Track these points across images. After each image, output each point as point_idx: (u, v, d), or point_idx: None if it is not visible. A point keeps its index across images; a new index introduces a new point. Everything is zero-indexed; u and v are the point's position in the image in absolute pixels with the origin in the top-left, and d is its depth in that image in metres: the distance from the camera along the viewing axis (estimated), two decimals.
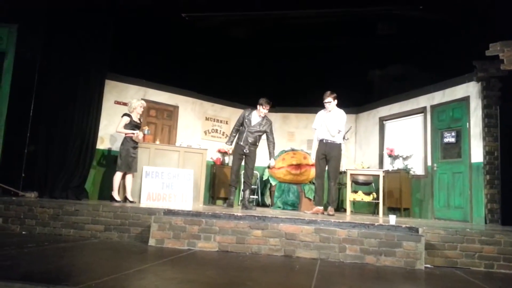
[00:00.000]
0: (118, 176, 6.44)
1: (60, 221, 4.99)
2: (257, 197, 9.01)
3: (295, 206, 8.46)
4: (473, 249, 4.10)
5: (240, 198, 6.95)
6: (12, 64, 6.27)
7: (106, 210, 4.97)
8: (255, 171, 6.80)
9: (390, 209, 7.72)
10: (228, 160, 9.30)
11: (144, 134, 6.82)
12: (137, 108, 6.65)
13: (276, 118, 9.90)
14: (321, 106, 6.42)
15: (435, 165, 7.58)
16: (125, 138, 6.50)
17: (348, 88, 8.84)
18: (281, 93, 9.16)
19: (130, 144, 6.48)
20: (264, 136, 6.65)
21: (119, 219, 4.89)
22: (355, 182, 7.45)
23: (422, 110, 8.03)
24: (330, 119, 6.19)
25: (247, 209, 6.17)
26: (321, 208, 6.20)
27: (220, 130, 9.66)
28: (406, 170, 8.00)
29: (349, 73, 8.81)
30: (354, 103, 9.48)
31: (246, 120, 6.46)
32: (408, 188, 7.89)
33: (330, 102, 6.23)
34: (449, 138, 7.32)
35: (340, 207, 8.79)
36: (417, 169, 8.05)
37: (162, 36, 7.96)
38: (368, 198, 7.30)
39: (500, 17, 5.92)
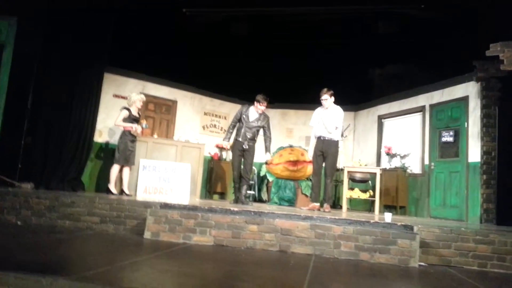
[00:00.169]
0: (115, 169, 6.44)
1: (56, 212, 4.99)
2: (254, 192, 9.02)
3: (291, 202, 8.49)
4: (467, 248, 4.12)
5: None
6: (11, 56, 6.26)
7: (102, 203, 4.97)
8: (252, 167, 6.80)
9: (386, 207, 7.74)
10: (226, 155, 9.31)
11: (142, 128, 6.81)
12: (136, 102, 6.65)
13: (275, 114, 9.91)
14: (320, 103, 6.42)
15: (432, 164, 7.59)
16: (123, 131, 6.50)
17: (348, 85, 8.85)
18: (280, 90, 9.16)
19: (128, 137, 6.48)
20: (261, 132, 6.65)
21: (115, 212, 4.89)
22: (352, 179, 7.47)
23: (421, 109, 8.04)
24: (328, 116, 6.19)
25: (243, 204, 6.17)
26: (317, 204, 6.21)
27: (219, 125, 9.65)
28: (403, 169, 8.02)
29: (349, 71, 8.81)
30: (353, 100, 9.48)
31: (244, 116, 6.45)
32: (405, 187, 7.91)
33: (327, 99, 6.23)
34: (447, 137, 7.33)
35: (336, 204, 8.81)
36: (415, 167, 8.06)
37: (162, 30, 7.93)
38: (365, 196, 7.33)
39: (500, 17, 5.91)
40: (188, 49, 8.49)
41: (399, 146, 8.34)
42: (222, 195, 9.15)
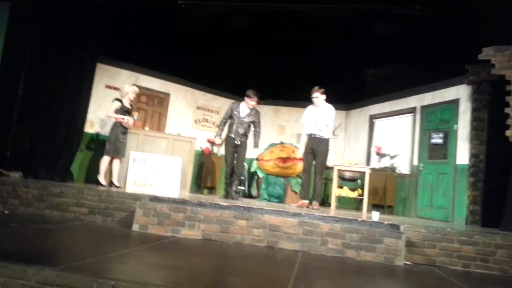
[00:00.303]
0: (105, 160, 6.40)
1: (44, 202, 4.96)
2: (244, 188, 9.03)
3: (280, 198, 8.53)
4: (452, 248, 4.18)
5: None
6: (3, 43, 6.19)
7: (91, 194, 4.96)
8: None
9: (374, 206, 7.80)
10: (217, 150, 9.31)
11: (134, 120, 6.78)
12: (129, 94, 6.61)
13: (268, 111, 9.92)
14: (312, 101, 6.44)
15: (421, 165, 7.67)
16: (115, 123, 6.45)
17: (341, 84, 8.88)
18: (274, 86, 9.16)
19: (120, 129, 6.44)
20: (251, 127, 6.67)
21: (103, 203, 4.89)
22: (341, 177, 7.52)
23: (412, 110, 8.11)
24: (319, 114, 6.22)
25: (233, 199, 6.19)
26: (306, 201, 6.25)
27: (211, 120, 9.64)
28: (392, 169, 8.08)
29: (342, 70, 8.84)
30: (345, 100, 9.52)
31: (235, 112, 6.47)
32: (393, 186, 7.98)
33: (318, 97, 6.26)
34: (437, 139, 7.40)
35: (325, 202, 8.86)
36: (403, 168, 8.13)
37: (157, 22, 7.88)
38: (353, 194, 7.38)
39: (494, 21, 5.98)
40: (183, 42, 8.45)
41: (389, 146, 8.41)
42: (212, 190, 9.16)
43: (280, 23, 8.26)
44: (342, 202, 8.72)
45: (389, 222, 4.34)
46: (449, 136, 7.18)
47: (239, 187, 7.94)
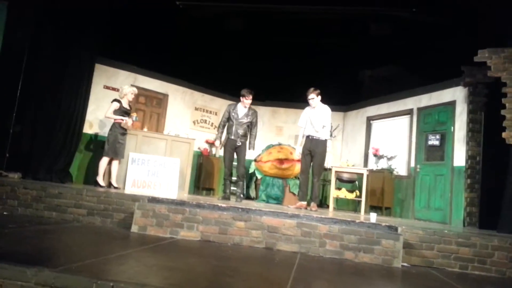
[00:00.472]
0: (104, 161, 6.40)
1: (42, 203, 4.96)
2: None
3: (279, 200, 8.54)
4: (450, 250, 4.20)
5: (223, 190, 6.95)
6: (1, 43, 6.16)
7: (90, 195, 4.96)
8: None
9: (372, 208, 7.83)
10: (216, 151, 9.33)
11: (132, 121, 6.78)
12: (128, 95, 6.61)
13: (265, 112, 9.94)
14: (308, 102, 6.45)
15: (418, 166, 7.70)
16: (113, 124, 6.46)
17: (338, 86, 8.91)
18: (272, 88, 9.19)
19: (119, 130, 6.45)
20: None
21: (102, 204, 4.89)
22: (339, 179, 7.55)
23: (409, 112, 8.14)
24: (315, 115, 6.24)
25: (238, 200, 6.29)
26: (305, 203, 6.27)
27: (209, 121, 9.65)
28: (390, 170, 8.12)
29: (340, 72, 8.87)
30: (343, 101, 9.56)
31: (233, 114, 6.48)
32: (391, 188, 8.01)
33: (313, 98, 6.28)
34: (434, 140, 7.44)
35: (323, 204, 8.88)
36: (401, 169, 8.17)
37: (155, 23, 7.88)
38: (351, 196, 7.41)
39: (489, 23, 6.01)
40: (181, 43, 8.46)
41: (386, 147, 8.44)
42: (211, 191, 9.17)
43: (278, 25, 8.27)
44: (340, 203, 8.75)
45: (387, 224, 4.36)
46: (446, 138, 7.22)
47: (235, 189, 7.98)
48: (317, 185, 6.33)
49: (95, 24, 6.87)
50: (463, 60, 6.46)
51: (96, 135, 7.60)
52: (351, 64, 8.86)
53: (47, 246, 3.34)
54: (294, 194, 8.39)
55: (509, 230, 5.05)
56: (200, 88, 9.48)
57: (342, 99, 9.47)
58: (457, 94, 7.09)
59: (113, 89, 7.67)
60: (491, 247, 4.16)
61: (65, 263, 2.66)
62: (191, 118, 9.34)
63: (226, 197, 6.45)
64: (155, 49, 8.21)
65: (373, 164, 8.54)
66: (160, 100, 8.88)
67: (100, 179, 6.37)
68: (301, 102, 6.64)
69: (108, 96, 7.35)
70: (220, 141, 6.66)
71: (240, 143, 6.43)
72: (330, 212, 6.60)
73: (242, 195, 6.65)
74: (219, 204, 4.62)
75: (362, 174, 7.28)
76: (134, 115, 6.89)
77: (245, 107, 6.50)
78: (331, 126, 7.63)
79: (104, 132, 7.12)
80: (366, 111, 9.27)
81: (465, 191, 6.60)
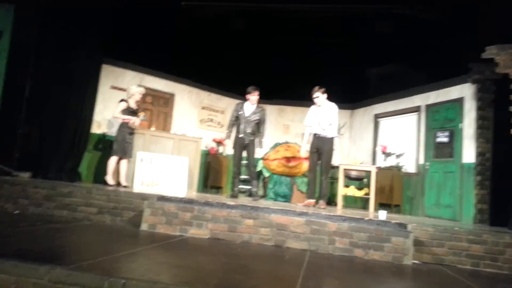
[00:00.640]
0: (112, 160, 6.44)
1: (53, 202, 5.00)
2: (250, 187, 9.04)
3: (287, 198, 8.54)
4: (461, 247, 4.17)
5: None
6: (9, 44, 6.22)
7: (100, 194, 4.99)
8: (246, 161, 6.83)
9: (381, 205, 7.80)
10: (223, 150, 9.34)
11: (140, 121, 6.80)
12: (135, 95, 6.64)
13: (272, 111, 9.93)
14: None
15: (427, 163, 7.65)
16: (121, 123, 6.49)
17: (345, 84, 8.89)
18: (278, 86, 9.17)
19: (127, 129, 6.48)
20: None
21: (112, 203, 4.92)
22: (347, 177, 7.52)
23: (417, 109, 8.09)
24: (321, 113, 6.22)
25: (254, 199, 6.28)
26: (313, 201, 6.25)
27: (216, 120, 9.67)
28: (398, 168, 8.08)
29: (347, 69, 8.84)
30: (350, 99, 9.52)
31: (241, 112, 6.48)
32: (400, 185, 7.97)
33: (319, 96, 6.26)
34: (442, 137, 7.39)
35: (331, 201, 8.85)
36: (409, 167, 8.12)
37: (161, 23, 7.90)
38: (360, 193, 7.38)
39: (497, 19, 5.95)
40: (187, 43, 8.47)
41: (394, 145, 8.40)
42: (219, 189, 9.18)
43: (284, 23, 8.26)
44: (349, 201, 8.72)
45: (397, 221, 4.35)
46: (455, 135, 7.16)
47: (244, 187, 7.99)
48: (325, 183, 6.32)
49: (102, 25, 6.90)
50: (471, 57, 6.41)
51: (104, 135, 7.64)
52: (358, 62, 8.83)
53: (58, 244, 3.36)
54: (302, 192, 8.38)
55: None
56: (207, 87, 9.50)
57: (349, 97, 9.43)
58: (465, 91, 7.03)
59: (120, 89, 7.71)
60: (503, 244, 4.12)
61: (77, 261, 2.68)
62: (198, 117, 9.36)
63: (234, 195, 6.45)
64: (161, 49, 8.23)
65: (381, 162, 8.50)
66: (167, 100, 8.91)
67: (109, 178, 6.41)
68: (307, 100, 6.62)
69: (116, 96, 7.38)
70: (230, 140, 6.66)
71: (249, 141, 6.43)
72: (339, 209, 6.58)
73: (258, 194, 6.61)
74: (228, 202, 4.63)
75: (370, 172, 7.25)
76: (141, 114, 6.92)
77: (252, 104, 6.50)
78: (338, 124, 7.59)
79: (112, 131, 7.15)
80: (374, 109, 9.23)
81: (475, 188, 6.55)
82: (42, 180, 5.85)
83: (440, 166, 7.40)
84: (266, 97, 6.94)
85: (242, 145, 6.46)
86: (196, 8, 7.54)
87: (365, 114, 9.48)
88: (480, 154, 6.59)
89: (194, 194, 6.82)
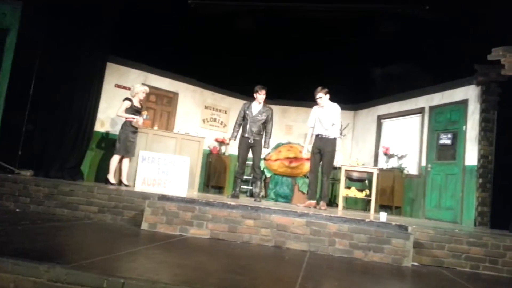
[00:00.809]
0: (115, 159, 6.46)
1: (54, 200, 5.02)
2: (251, 187, 9.06)
3: (288, 198, 8.54)
4: (461, 249, 4.17)
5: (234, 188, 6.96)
6: (15, 41, 6.25)
7: (101, 192, 5.01)
8: (249, 162, 6.83)
9: (382, 207, 7.79)
10: (225, 150, 9.35)
11: (143, 119, 6.82)
12: (139, 94, 6.66)
13: (275, 111, 9.80)
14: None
15: (429, 165, 7.64)
16: (125, 122, 6.51)
17: (348, 85, 8.87)
18: (281, 86, 9.18)
19: (130, 128, 6.50)
20: None
21: (113, 202, 4.93)
22: (349, 178, 7.51)
23: (421, 111, 8.07)
24: (324, 114, 6.22)
25: (256, 200, 6.26)
26: (314, 201, 6.25)
27: (219, 119, 9.68)
28: (400, 169, 8.06)
29: (350, 70, 8.82)
30: (353, 100, 9.52)
31: (248, 112, 6.48)
32: (401, 187, 7.95)
33: (322, 97, 6.26)
34: (445, 139, 7.37)
35: (332, 203, 8.86)
36: (411, 168, 8.11)
37: (165, 22, 7.92)
38: (361, 195, 7.37)
39: (502, 21, 5.93)
40: (191, 42, 8.49)
41: (397, 146, 8.38)
42: (220, 189, 9.19)
43: (288, 23, 8.25)
44: (350, 202, 8.72)
45: (397, 223, 4.34)
46: (458, 137, 7.14)
47: (245, 187, 7.99)
48: (326, 184, 6.31)
49: (107, 24, 6.94)
50: (476, 59, 6.39)
51: (107, 133, 7.67)
52: (361, 62, 8.81)
53: (58, 243, 3.38)
54: (303, 192, 8.38)
55: None
56: (210, 87, 9.51)
57: (353, 98, 9.43)
58: (469, 93, 7.01)
59: (124, 87, 7.73)
60: (503, 247, 4.12)
61: (77, 259, 2.69)
62: (201, 117, 9.38)
63: (235, 195, 6.45)
64: (165, 48, 8.25)
65: (383, 163, 8.48)
66: (170, 99, 8.93)
67: (111, 177, 6.43)
68: (311, 101, 6.63)
69: (119, 94, 7.41)
70: (234, 139, 6.65)
71: (254, 141, 6.42)
72: (340, 211, 6.58)
73: (261, 195, 6.59)
74: (229, 202, 4.64)
75: (372, 173, 7.24)
76: (145, 113, 6.94)
77: (259, 103, 6.50)
78: (341, 125, 7.58)
79: (115, 130, 7.17)
80: (377, 110, 9.22)
81: (477, 190, 6.53)
82: (44, 178, 5.88)
83: (442, 168, 7.38)
84: (269, 97, 6.95)
85: (248, 145, 6.44)
86: (202, 7, 7.54)
87: (368, 115, 9.47)
88: (483, 157, 6.57)
89: (195, 193, 6.83)
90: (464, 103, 7.09)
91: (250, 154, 6.57)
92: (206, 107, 9.48)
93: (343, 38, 8.32)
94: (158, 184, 6.90)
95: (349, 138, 9.77)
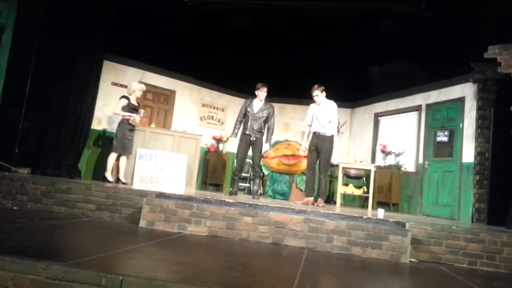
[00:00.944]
0: (112, 157, 6.45)
1: (52, 198, 5.01)
2: (249, 185, 9.06)
3: (286, 196, 8.55)
4: (458, 246, 4.18)
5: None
6: (11, 39, 6.23)
7: (99, 190, 5.00)
8: (248, 160, 6.83)
9: (380, 204, 7.81)
10: (223, 147, 9.35)
11: (140, 117, 6.81)
12: (136, 91, 6.65)
13: None
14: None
15: (426, 162, 7.66)
16: (122, 120, 6.50)
17: (345, 82, 8.88)
18: (279, 84, 9.15)
19: (127, 126, 6.48)
20: None
21: (111, 199, 4.93)
22: (346, 175, 7.53)
23: (418, 108, 8.09)
24: (321, 111, 6.22)
25: (254, 198, 6.24)
26: (312, 199, 6.26)
27: (216, 117, 9.67)
28: (398, 166, 8.08)
29: (347, 68, 8.84)
30: (350, 97, 9.53)
31: (249, 109, 6.46)
32: (398, 184, 7.98)
33: (318, 95, 6.26)
34: (442, 137, 7.39)
35: (330, 200, 8.87)
36: (409, 166, 8.13)
37: (162, 20, 7.90)
38: (359, 192, 7.39)
39: (499, 19, 5.94)
40: (188, 40, 8.48)
41: (394, 144, 8.40)
42: (218, 187, 9.19)
43: (285, 21, 8.26)
44: (347, 199, 8.74)
45: (395, 220, 4.35)
46: (455, 134, 7.16)
47: (243, 184, 7.99)
48: (324, 181, 6.31)
49: (103, 21, 6.90)
50: (473, 57, 6.39)
51: (104, 131, 7.65)
52: (359, 60, 8.83)
53: (56, 241, 3.37)
54: (301, 190, 8.39)
55: None
56: (207, 85, 9.49)
57: (350, 96, 9.44)
58: (466, 91, 7.03)
59: (121, 85, 7.70)
60: (500, 243, 4.13)
61: (75, 257, 2.68)
62: (198, 115, 9.36)
63: (233, 193, 6.44)
64: (162, 46, 8.23)
65: (380, 161, 8.50)
66: (167, 97, 8.91)
67: (109, 175, 6.42)
68: (308, 98, 6.62)
69: (116, 92, 7.38)
70: (235, 136, 6.63)
71: (255, 138, 6.40)
72: (337, 208, 6.59)
73: (259, 192, 6.59)
74: (226, 200, 4.64)
75: (369, 170, 7.26)
76: (142, 111, 6.91)
77: (261, 100, 6.49)
78: (338, 122, 7.59)
79: (112, 128, 7.16)
80: (374, 108, 9.23)
81: (474, 187, 6.56)
82: (41, 176, 5.86)
83: (439, 165, 7.40)
84: (267, 95, 6.93)
85: (248, 142, 6.42)
86: (199, 5, 7.52)
87: (366, 113, 9.48)
88: (479, 154, 6.59)
89: (193, 191, 6.83)
90: (461, 100, 7.11)
91: (249, 152, 6.56)
92: (203, 105, 9.47)
93: (340, 36, 8.34)
94: (155, 181, 6.90)
95: (347, 135, 9.79)
